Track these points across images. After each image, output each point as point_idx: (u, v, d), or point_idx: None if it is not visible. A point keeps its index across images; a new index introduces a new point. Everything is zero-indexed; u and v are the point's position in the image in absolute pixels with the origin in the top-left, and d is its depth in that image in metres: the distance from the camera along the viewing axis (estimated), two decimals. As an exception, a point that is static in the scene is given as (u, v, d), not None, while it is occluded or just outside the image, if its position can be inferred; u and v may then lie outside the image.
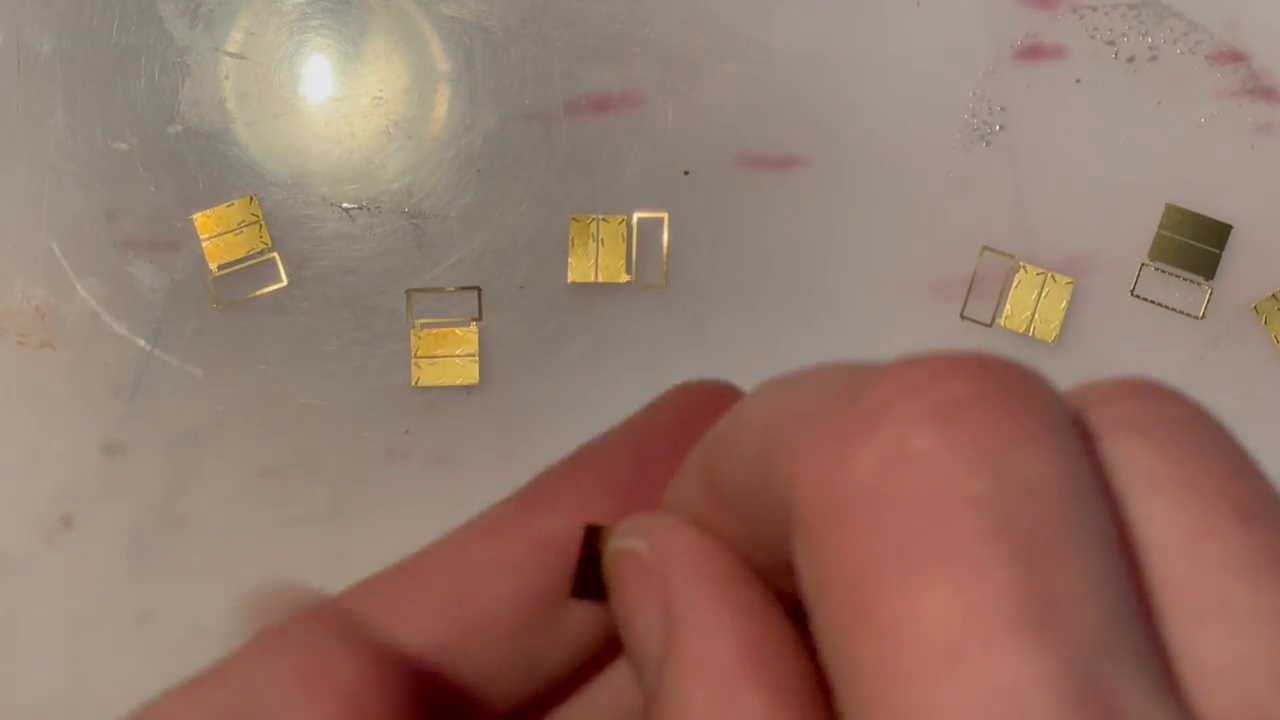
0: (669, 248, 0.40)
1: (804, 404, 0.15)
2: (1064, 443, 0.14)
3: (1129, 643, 0.13)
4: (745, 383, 0.43)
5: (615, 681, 0.20)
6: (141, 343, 0.40)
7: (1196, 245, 0.40)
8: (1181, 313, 0.40)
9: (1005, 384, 0.14)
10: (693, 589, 0.16)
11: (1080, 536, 0.13)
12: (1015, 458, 0.13)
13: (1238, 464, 0.15)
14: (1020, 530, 0.13)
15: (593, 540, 0.18)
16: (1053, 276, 0.40)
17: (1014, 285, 0.40)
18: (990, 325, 0.40)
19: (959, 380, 0.14)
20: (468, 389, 0.40)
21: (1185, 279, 0.40)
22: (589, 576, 0.18)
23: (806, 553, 0.14)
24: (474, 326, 0.40)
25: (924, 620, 0.12)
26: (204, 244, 0.40)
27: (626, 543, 0.17)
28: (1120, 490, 0.14)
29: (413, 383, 0.40)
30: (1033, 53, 0.40)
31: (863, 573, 0.13)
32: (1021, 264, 0.40)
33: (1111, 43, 0.40)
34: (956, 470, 0.13)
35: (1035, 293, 0.40)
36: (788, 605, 0.16)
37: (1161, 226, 0.40)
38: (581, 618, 0.18)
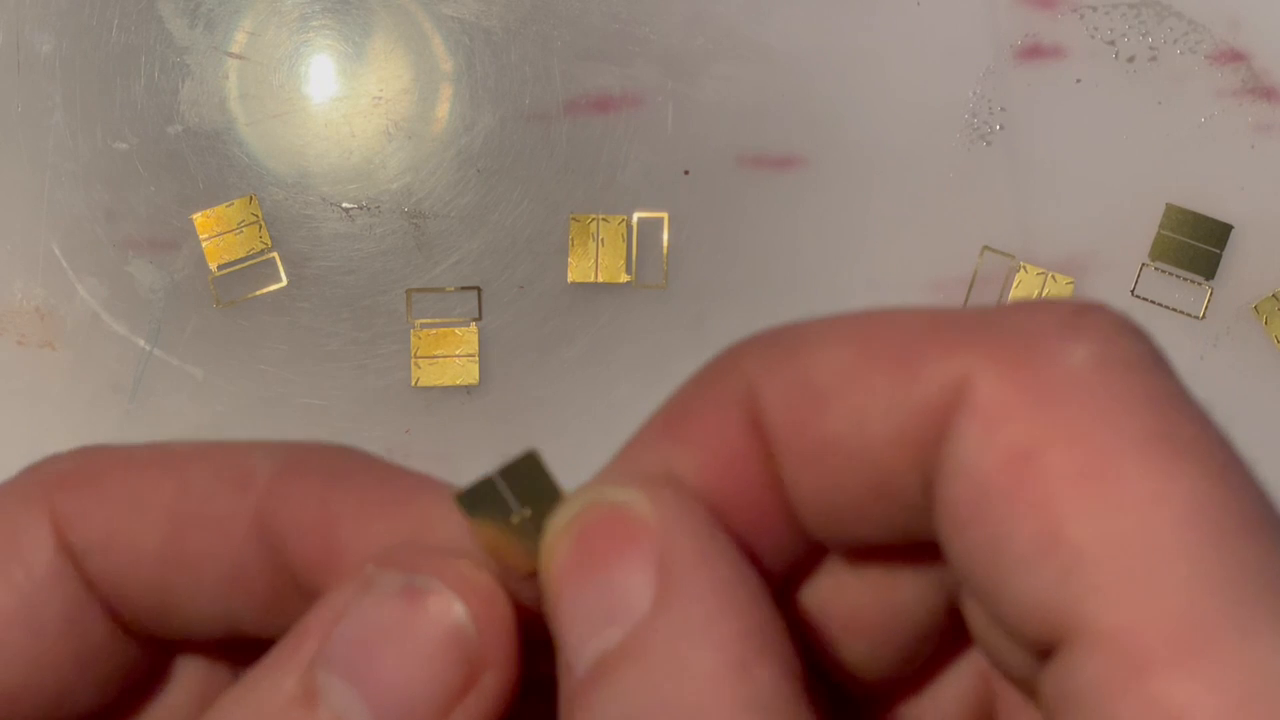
0: (669, 248, 0.40)
1: (945, 324, 0.16)
2: None
3: None
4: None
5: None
6: (141, 343, 0.40)
7: (1196, 245, 0.40)
8: (1181, 313, 0.40)
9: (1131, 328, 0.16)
10: (700, 554, 0.16)
11: None
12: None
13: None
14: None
15: (526, 466, 0.18)
16: (1053, 276, 0.40)
17: (1014, 285, 0.40)
18: (990, 325, 0.40)
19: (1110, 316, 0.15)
20: (468, 389, 0.40)
21: (1185, 279, 0.40)
22: (486, 494, 0.18)
23: (992, 438, 0.15)
24: (474, 326, 0.40)
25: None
26: (204, 244, 0.40)
27: (616, 494, 0.17)
28: None
29: (413, 383, 0.40)
30: (1033, 53, 0.40)
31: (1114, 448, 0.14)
32: (1021, 264, 0.40)
33: (1111, 43, 0.40)
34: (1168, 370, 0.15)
35: (1035, 293, 0.40)
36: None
37: (1161, 226, 0.40)
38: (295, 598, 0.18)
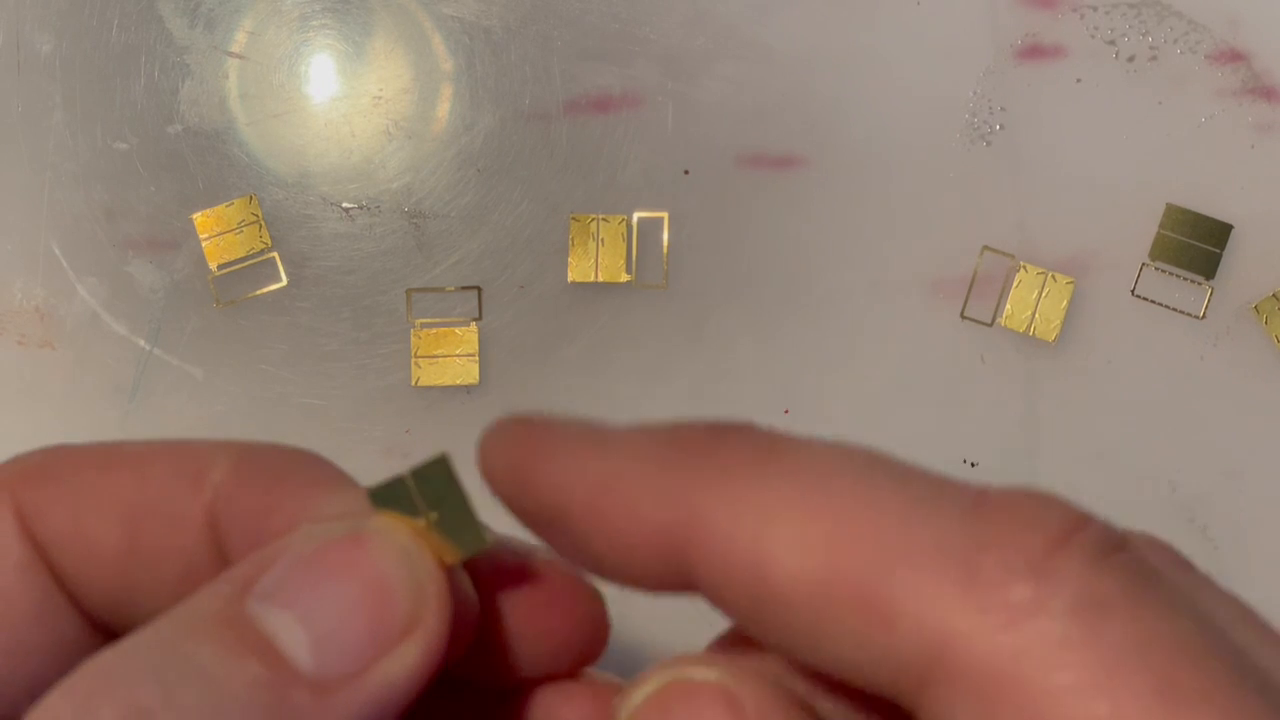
0: (669, 247, 0.40)
1: (904, 552, 0.15)
2: None
3: None
4: (745, 382, 0.43)
5: None
6: (141, 342, 0.40)
7: (1196, 245, 0.40)
8: (1181, 313, 0.40)
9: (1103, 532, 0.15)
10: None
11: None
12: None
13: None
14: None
15: (436, 469, 0.19)
16: (1053, 276, 0.40)
17: (1014, 285, 0.40)
18: (990, 325, 0.40)
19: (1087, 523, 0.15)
20: (468, 389, 0.40)
21: (1185, 279, 0.40)
22: (397, 493, 0.18)
23: (985, 699, 0.14)
24: (474, 326, 0.40)
25: None
26: (204, 244, 0.40)
27: (695, 673, 0.17)
28: None
29: (413, 382, 0.40)
30: (1033, 53, 0.40)
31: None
32: (1021, 264, 0.40)
33: (1111, 42, 0.40)
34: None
35: (1035, 293, 0.40)
36: None
37: (1161, 226, 0.40)
38: None
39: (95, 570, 0.19)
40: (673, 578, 0.17)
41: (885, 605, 0.15)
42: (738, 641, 0.19)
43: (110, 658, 0.16)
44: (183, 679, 0.16)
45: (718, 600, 0.16)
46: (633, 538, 0.17)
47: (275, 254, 0.40)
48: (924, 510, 0.15)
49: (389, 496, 0.19)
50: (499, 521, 0.20)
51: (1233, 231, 0.39)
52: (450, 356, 0.40)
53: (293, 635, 0.17)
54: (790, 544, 0.15)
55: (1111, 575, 0.14)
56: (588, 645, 0.21)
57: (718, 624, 0.20)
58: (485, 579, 0.20)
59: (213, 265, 0.40)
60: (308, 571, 0.17)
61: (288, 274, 0.40)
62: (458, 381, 0.40)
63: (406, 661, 0.17)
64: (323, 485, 0.19)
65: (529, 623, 0.20)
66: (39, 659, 0.19)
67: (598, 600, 0.21)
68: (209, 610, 0.17)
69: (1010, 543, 0.15)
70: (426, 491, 0.19)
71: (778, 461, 0.16)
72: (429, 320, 0.40)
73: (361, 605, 0.17)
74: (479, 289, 0.40)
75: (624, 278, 0.40)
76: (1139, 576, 0.15)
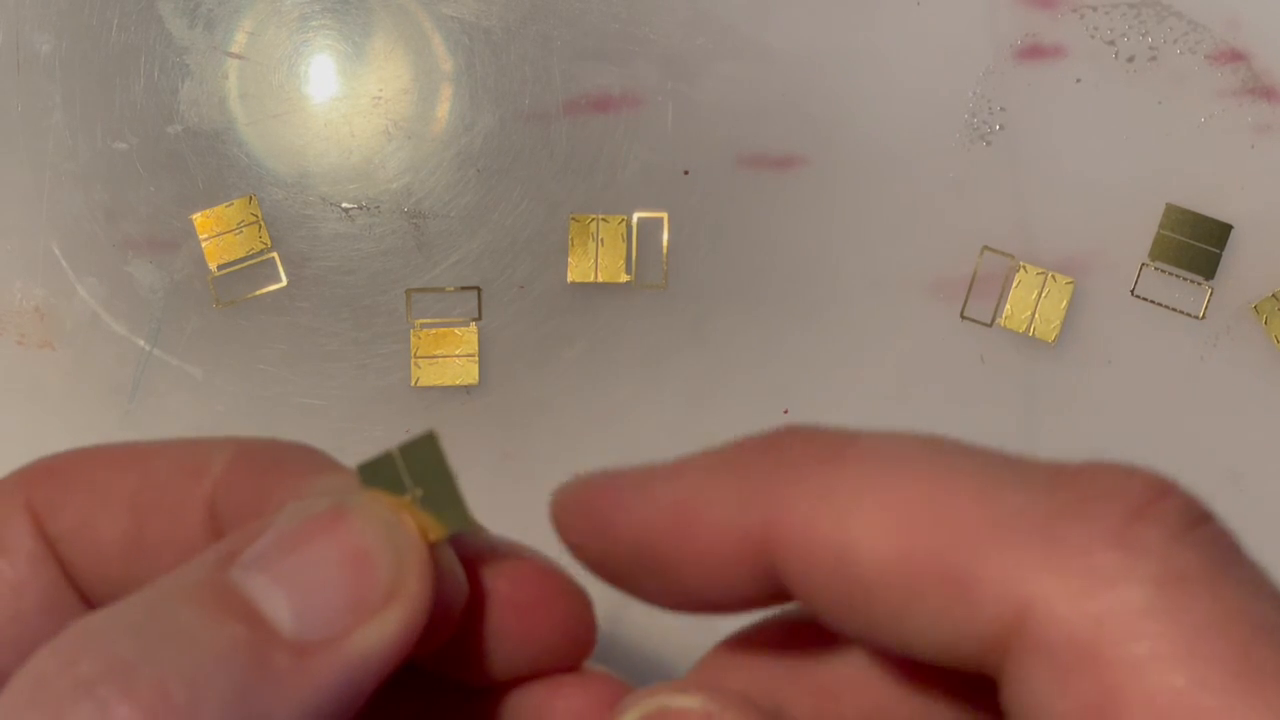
0: (669, 248, 0.40)
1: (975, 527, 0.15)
2: None
3: None
4: (745, 382, 0.43)
5: None
6: (141, 343, 0.40)
7: (1196, 245, 0.40)
8: (1181, 313, 0.40)
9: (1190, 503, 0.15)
10: None
11: None
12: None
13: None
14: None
15: (424, 446, 0.19)
16: (1053, 276, 0.40)
17: (1014, 285, 0.40)
18: (990, 325, 0.40)
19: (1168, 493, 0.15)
20: (467, 389, 0.40)
21: (1185, 279, 0.40)
22: (385, 469, 0.19)
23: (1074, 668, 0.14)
24: (473, 326, 0.40)
25: None
26: (203, 244, 0.40)
27: (677, 701, 0.18)
28: None
29: (412, 383, 0.40)
30: (1033, 53, 0.40)
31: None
32: (1021, 264, 0.40)
33: (1111, 43, 0.40)
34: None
35: (1035, 293, 0.40)
36: None
37: (1161, 226, 0.40)
38: None
39: (102, 562, 0.20)
40: (764, 585, 0.17)
41: (968, 576, 0.15)
42: (719, 665, 0.19)
43: (96, 618, 0.17)
44: (163, 636, 0.16)
45: (807, 595, 0.17)
46: (720, 550, 0.17)
47: (275, 254, 0.40)
48: (1001, 485, 0.15)
49: (377, 472, 0.19)
50: (513, 532, 0.20)
51: (1232, 231, 0.39)
52: (450, 357, 0.40)
53: (274, 601, 0.17)
54: (872, 527, 0.16)
55: (1194, 549, 0.14)
56: (574, 644, 0.21)
57: (710, 628, 0.20)
58: (471, 576, 0.20)
59: (212, 265, 0.40)
60: (291, 542, 0.18)
61: (287, 274, 0.40)
62: (457, 382, 0.40)
63: (387, 629, 0.18)
64: (314, 471, 0.20)
65: (514, 620, 0.20)
66: None
67: (584, 599, 0.21)
68: (194, 578, 0.17)
69: (1093, 511, 0.15)
70: (414, 468, 0.19)
71: (850, 451, 0.16)
72: (429, 320, 0.40)
73: (342, 573, 0.17)
74: (479, 289, 0.40)
75: (624, 278, 0.40)
76: (1220, 552, 0.15)
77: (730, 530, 0.17)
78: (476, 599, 0.20)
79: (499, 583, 0.20)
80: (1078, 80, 0.40)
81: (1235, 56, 0.40)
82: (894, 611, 0.16)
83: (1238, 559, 0.15)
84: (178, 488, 0.20)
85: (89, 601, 0.20)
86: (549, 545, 0.21)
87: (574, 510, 0.19)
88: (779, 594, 0.17)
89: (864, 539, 0.16)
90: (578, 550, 0.19)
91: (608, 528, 0.18)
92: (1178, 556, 0.14)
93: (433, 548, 0.19)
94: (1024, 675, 0.15)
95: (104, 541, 0.20)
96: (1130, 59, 0.40)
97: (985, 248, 0.40)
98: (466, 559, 0.20)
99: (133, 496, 0.20)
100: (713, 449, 0.18)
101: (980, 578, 0.15)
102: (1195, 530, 0.15)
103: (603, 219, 0.40)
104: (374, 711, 0.19)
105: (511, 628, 0.20)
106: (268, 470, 0.20)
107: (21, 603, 0.20)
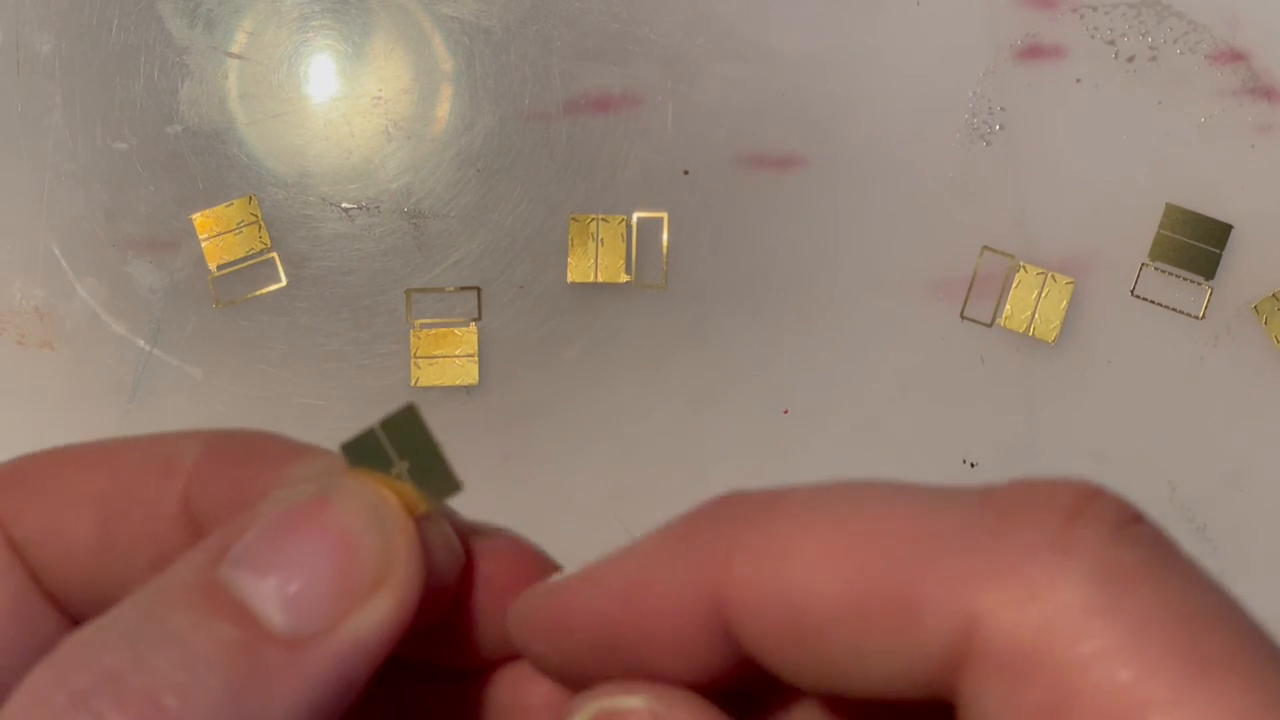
0: (669, 248, 0.40)
1: (928, 536, 0.16)
2: None
3: None
4: (745, 382, 0.43)
5: None
6: (141, 343, 0.40)
7: (1196, 245, 0.40)
8: (1181, 313, 0.40)
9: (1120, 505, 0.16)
10: None
11: None
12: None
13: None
14: None
15: (405, 419, 0.19)
16: (1053, 276, 0.40)
17: (1014, 285, 0.40)
18: (990, 325, 0.40)
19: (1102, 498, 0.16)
20: (467, 389, 0.40)
21: (1185, 279, 0.40)
22: (369, 445, 0.19)
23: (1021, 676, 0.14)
24: (473, 326, 0.40)
25: None
26: (203, 244, 0.40)
27: (622, 702, 0.18)
28: None
29: (412, 383, 0.40)
30: (1033, 53, 0.40)
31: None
32: (1021, 264, 0.40)
33: (1111, 42, 0.40)
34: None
35: (1035, 293, 0.40)
36: None
37: (1161, 226, 0.40)
38: None
39: (71, 565, 0.20)
40: (724, 653, 0.17)
41: (915, 598, 0.15)
42: None
43: (88, 630, 0.17)
44: (154, 643, 0.16)
45: (763, 650, 0.17)
46: (674, 623, 0.17)
47: (275, 254, 0.40)
48: (936, 510, 0.16)
49: (361, 450, 0.19)
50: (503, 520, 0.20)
51: (1233, 231, 0.39)
52: (450, 357, 0.40)
53: (264, 597, 0.17)
54: (815, 570, 0.16)
55: (1130, 546, 0.15)
56: None
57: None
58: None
59: (212, 265, 0.40)
60: (276, 534, 0.18)
61: (287, 274, 0.40)
62: (457, 382, 0.40)
63: (378, 615, 0.18)
64: (292, 457, 0.20)
65: (495, 601, 0.20)
66: (17, 656, 0.20)
67: None
68: (183, 580, 0.17)
69: (1027, 520, 0.15)
70: (397, 441, 0.19)
71: (783, 505, 0.16)
72: (429, 320, 0.40)
73: (329, 563, 0.18)
74: (479, 289, 0.40)
75: (624, 278, 0.40)
76: (1157, 546, 0.15)
77: (680, 601, 0.17)
78: (460, 581, 0.20)
79: (479, 563, 0.20)
80: (1078, 80, 0.40)
81: (1235, 56, 0.40)
82: (848, 649, 0.16)
83: (1174, 553, 0.15)
84: (148, 485, 0.20)
85: (59, 605, 0.20)
86: (549, 546, 0.21)
87: (530, 619, 0.19)
88: (742, 662, 0.17)
89: (810, 583, 0.16)
90: (541, 662, 0.19)
91: (564, 628, 0.18)
92: (1115, 553, 0.15)
93: (423, 520, 0.19)
94: (977, 691, 0.15)
95: (72, 543, 0.20)
96: (1130, 59, 0.40)
97: (985, 248, 0.40)
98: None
99: (100, 496, 0.20)
100: (655, 530, 0.18)
101: (926, 597, 0.15)
102: (1130, 528, 0.15)
103: (603, 219, 0.40)
104: (358, 702, 0.20)
105: (492, 608, 0.20)
106: (242, 462, 0.19)
107: None
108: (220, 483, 0.19)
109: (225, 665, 0.16)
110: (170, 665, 0.16)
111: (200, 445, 0.20)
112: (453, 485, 0.19)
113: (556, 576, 0.19)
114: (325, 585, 0.17)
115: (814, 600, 0.16)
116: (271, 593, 0.17)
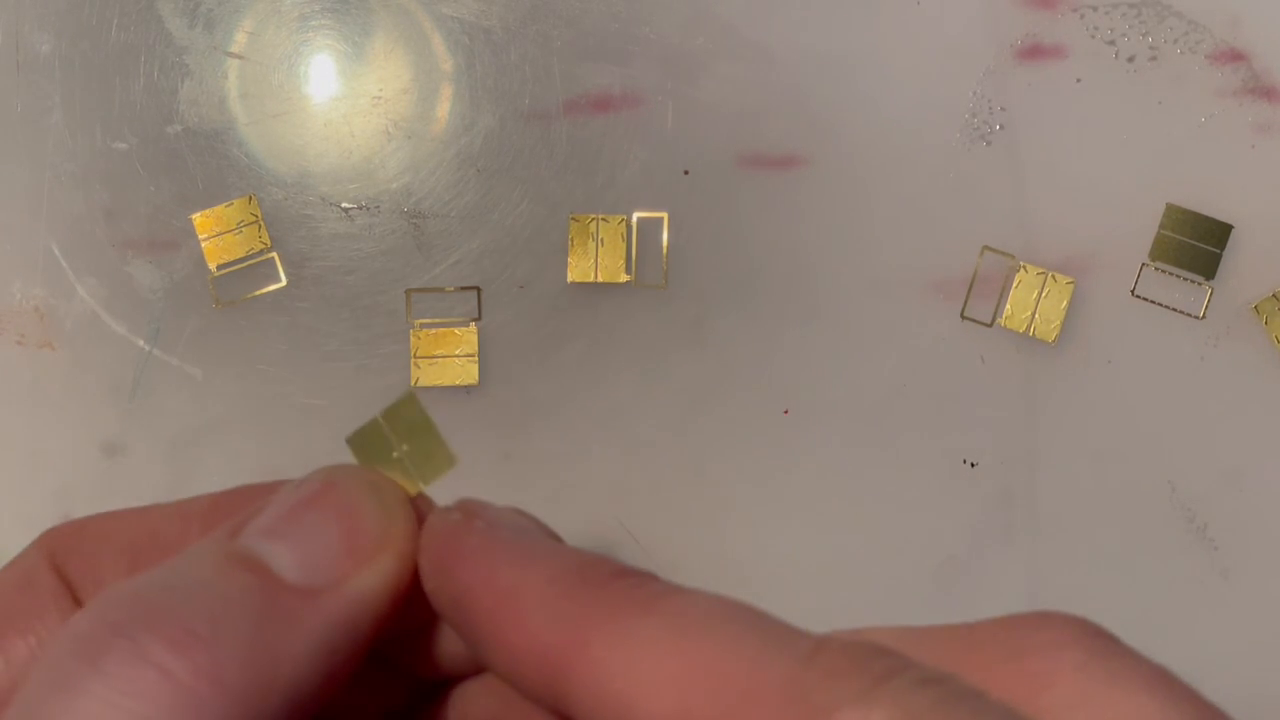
0: (669, 248, 0.40)
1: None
2: None
3: None
4: (745, 382, 0.43)
5: None
6: (141, 343, 0.40)
7: (1196, 245, 0.40)
8: (1181, 313, 0.40)
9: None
10: None
11: None
12: None
13: None
14: None
15: (405, 407, 0.22)
16: (1053, 276, 0.40)
17: (1014, 285, 0.40)
18: (990, 325, 0.40)
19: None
20: (467, 389, 0.40)
21: (1185, 279, 0.40)
22: (373, 436, 0.22)
23: None
24: (473, 326, 0.40)
25: None
26: (203, 244, 0.40)
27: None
28: None
29: (412, 383, 0.40)
30: (1033, 53, 0.40)
31: None
32: (1021, 264, 0.40)
33: (1112, 42, 0.40)
34: None
35: (1035, 293, 0.40)
36: None
37: (1161, 226, 0.40)
38: None
39: None
40: (546, 693, 0.19)
41: None
42: None
43: (121, 583, 0.19)
44: (184, 588, 0.19)
45: (578, 715, 0.18)
46: (520, 651, 0.19)
47: (275, 254, 0.40)
48: (770, 654, 0.17)
49: (366, 439, 0.22)
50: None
51: (1233, 231, 0.39)
52: (450, 357, 0.40)
53: (279, 557, 0.20)
54: (652, 683, 0.17)
55: (925, 693, 0.16)
56: None
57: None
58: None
59: (212, 265, 0.40)
60: (289, 511, 0.21)
61: (287, 274, 0.40)
62: (457, 382, 0.40)
63: (381, 573, 0.20)
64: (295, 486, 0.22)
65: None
66: None
67: None
68: (206, 548, 0.20)
69: (842, 678, 0.16)
70: (398, 428, 0.22)
71: (656, 607, 0.18)
72: (428, 320, 0.40)
73: (336, 528, 0.20)
74: (478, 289, 0.40)
75: (624, 278, 0.40)
76: (953, 695, 0.16)
77: (534, 640, 0.18)
78: (419, 596, 0.22)
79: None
80: (1078, 80, 0.40)
81: (1235, 56, 0.40)
82: None
83: (974, 697, 0.16)
84: (169, 531, 0.22)
85: None
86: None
87: (430, 549, 0.21)
88: (563, 710, 0.18)
89: (646, 695, 0.17)
90: (426, 585, 0.21)
91: (446, 577, 0.20)
92: (910, 700, 0.16)
93: (419, 498, 0.22)
94: None
95: (107, 582, 0.22)
96: (1130, 59, 0.40)
97: (985, 248, 0.40)
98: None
99: (132, 543, 0.22)
100: (570, 551, 0.20)
101: None
102: (932, 685, 0.16)
103: (603, 219, 0.40)
104: (345, 712, 0.22)
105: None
106: (249, 496, 0.22)
107: (41, 625, 0.22)
108: (229, 514, 0.22)
109: (248, 605, 0.19)
110: (201, 603, 0.18)
111: (214, 497, 0.23)
112: (449, 458, 0.22)
113: (480, 511, 0.21)
114: (333, 547, 0.20)
115: (643, 711, 0.17)
116: (286, 555, 0.20)
